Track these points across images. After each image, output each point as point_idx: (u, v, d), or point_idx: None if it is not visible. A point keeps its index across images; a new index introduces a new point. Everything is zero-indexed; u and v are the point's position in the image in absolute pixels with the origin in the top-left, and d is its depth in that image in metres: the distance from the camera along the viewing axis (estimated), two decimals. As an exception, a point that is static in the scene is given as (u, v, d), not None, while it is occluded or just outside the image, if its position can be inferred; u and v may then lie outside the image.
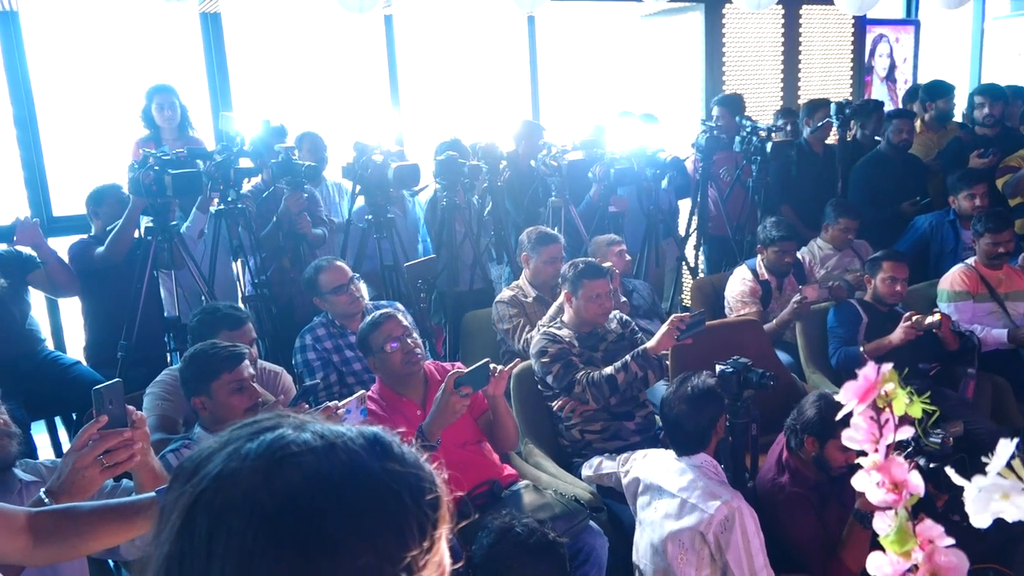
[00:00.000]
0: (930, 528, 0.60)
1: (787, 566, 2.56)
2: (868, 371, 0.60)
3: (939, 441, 2.69)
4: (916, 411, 0.59)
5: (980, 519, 0.56)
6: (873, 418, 0.60)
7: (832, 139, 5.41)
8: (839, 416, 0.64)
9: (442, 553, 0.65)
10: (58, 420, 3.82)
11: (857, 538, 2.39)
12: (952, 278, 4.14)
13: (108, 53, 5.07)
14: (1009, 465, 0.55)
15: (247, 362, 2.41)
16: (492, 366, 2.63)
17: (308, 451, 0.63)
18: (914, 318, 3.57)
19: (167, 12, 5.06)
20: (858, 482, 0.63)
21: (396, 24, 5.59)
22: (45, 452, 3.70)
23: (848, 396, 0.61)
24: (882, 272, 3.82)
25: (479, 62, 6.16)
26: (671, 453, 2.62)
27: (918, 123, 5.57)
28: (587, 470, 3.02)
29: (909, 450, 2.40)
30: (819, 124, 5.16)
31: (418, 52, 5.81)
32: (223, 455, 0.64)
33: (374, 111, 5.39)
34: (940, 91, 5.65)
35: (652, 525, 2.51)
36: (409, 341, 2.85)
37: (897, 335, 3.60)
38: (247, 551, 0.59)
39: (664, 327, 3.05)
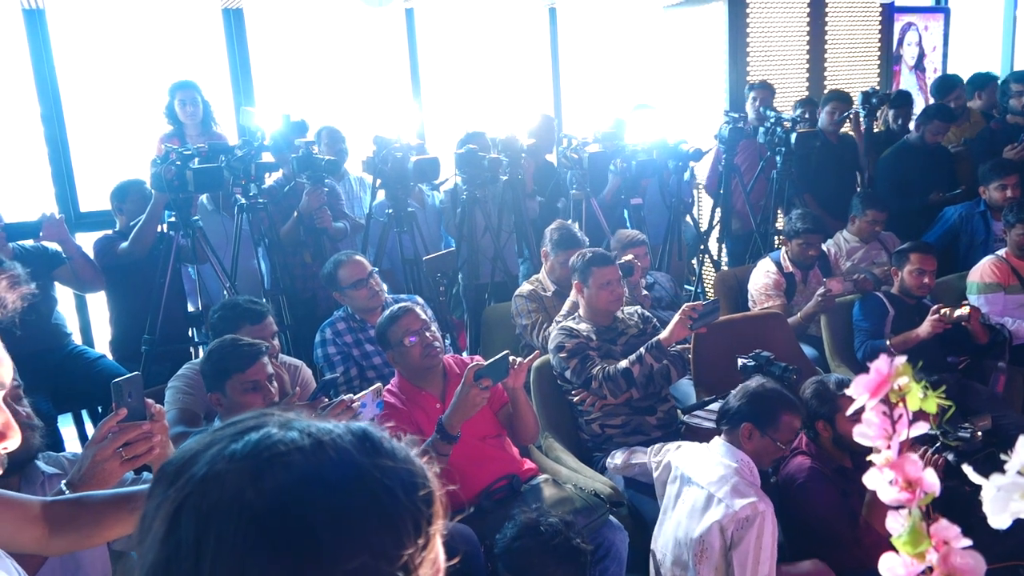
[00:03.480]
0: (946, 528, 0.57)
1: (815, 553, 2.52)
2: (880, 364, 0.57)
3: (967, 436, 2.64)
4: (931, 406, 0.57)
5: (999, 520, 0.53)
6: (886, 413, 0.58)
7: (847, 128, 5.35)
8: (852, 406, 0.62)
9: (437, 550, 0.64)
10: (84, 413, 3.87)
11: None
12: (982, 270, 4.06)
13: (133, 50, 5.12)
14: (1029, 463, 0.53)
15: (264, 360, 2.41)
16: (512, 358, 2.62)
17: (296, 450, 0.61)
18: (942, 311, 3.50)
19: (190, 8, 5.10)
20: (870, 480, 0.61)
21: (417, 17, 5.58)
22: (72, 445, 3.75)
23: (859, 390, 0.59)
24: (909, 264, 3.75)
25: (500, 55, 6.13)
26: (708, 446, 2.57)
27: None
28: (615, 459, 2.99)
29: (937, 445, 2.34)
30: (845, 115, 5.09)
31: (439, 45, 5.80)
32: (207, 457, 0.62)
33: (395, 105, 5.39)
34: (949, 87, 5.66)
35: (679, 519, 2.47)
36: (427, 335, 2.85)
37: (925, 328, 3.53)
38: (238, 555, 0.57)
39: (676, 316, 3.01)
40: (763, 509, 2.29)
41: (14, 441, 0.97)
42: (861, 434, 0.61)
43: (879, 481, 0.60)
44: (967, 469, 0.57)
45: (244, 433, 0.63)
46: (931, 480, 0.58)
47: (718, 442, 2.53)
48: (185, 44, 5.21)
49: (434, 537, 0.63)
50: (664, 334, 3.04)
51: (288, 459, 0.60)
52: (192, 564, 0.58)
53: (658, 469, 2.72)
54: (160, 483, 0.63)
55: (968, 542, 0.58)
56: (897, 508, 0.59)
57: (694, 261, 5.19)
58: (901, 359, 0.58)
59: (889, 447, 0.58)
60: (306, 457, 0.60)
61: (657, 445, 2.85)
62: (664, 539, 2.53)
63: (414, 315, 2.86)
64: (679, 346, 3.15)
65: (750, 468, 2.45)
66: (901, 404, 0.57)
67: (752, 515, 2.27)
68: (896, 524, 0.59)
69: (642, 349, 3.04)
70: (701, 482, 2.43)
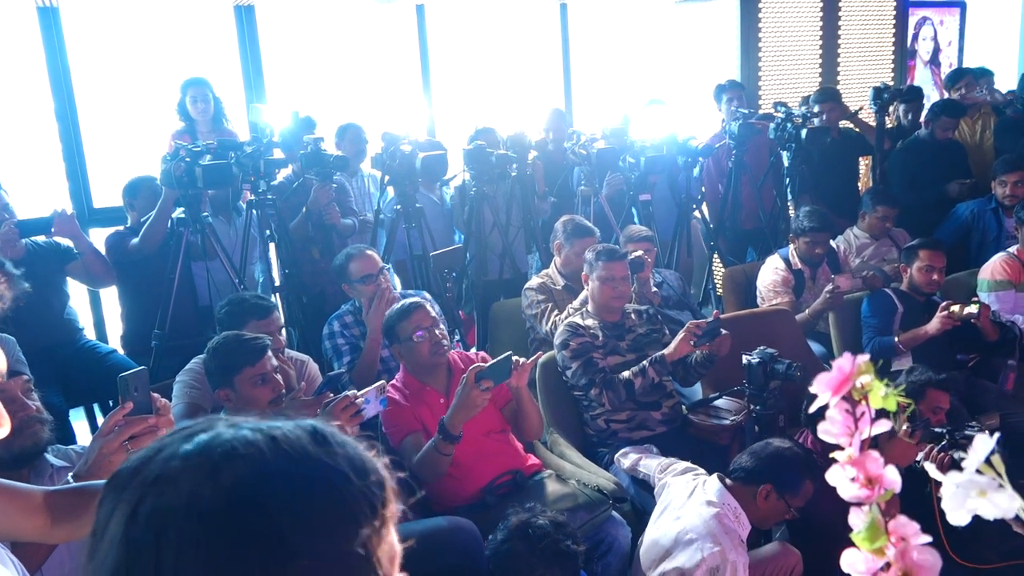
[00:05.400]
0: (904, 525, 0.58)
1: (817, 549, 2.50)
2: (843, 362, 0.58)
3: (974, 434, 2.63)
4: (891, 404, 0.57)
5: (957, 516, 0.54)
6: (848, 411, 0.59)
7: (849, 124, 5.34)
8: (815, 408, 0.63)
9: (392, 535, 0.65)
10: (96, 407, 3.91)
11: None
12: (993, 267, 4.03)
13: (146, 47, 5.17)
14: (988, 461, 0.53)
15: (269, 354, 2.43)
16: (515, 359, 2.63)
17: (249, 444, 0.62)
18: (951, 308, 3.48)
19: (202, 6, 5.14)
20: (831, 477, 0.62)
21: (427, 13, 5.60)
22: (84, 438, 3.79)
23: (821, 388, 0.60)
24: (918, 261, 3.73)
25: (511, 51, 6.14)
26: (703, 483, 2.51)
27: None
28: (625, 460, 2.98)
29: (943, 443, 2.33)
30: (851, 114, 5.09)
31: (450, 41, 5.81)
32: (159, 460, 0.62)
33: (406, 101, 5.41)
34: (958, 77, 5.70)
35: (655, 532, 2.45)
36: (436, 331, 2.87)
37: (933, 325, 3.51)
38: (200, 553, 0.57)
39: (680, 334, 3.05)
40: (733, 559, 2.22)
41: (3, 430, 0.99)
42: (825, 431, 0.62)
43: (840, 478, 0.61)
44: (929, 467, 0.58)
45: (194, 435, 0.63)
46: (892, 477, 0.59)
47: (713, 482, 2.46)
48: (197, 41, 5.25)
49: (390, 520, 0.64)
50: (669, 350, 3.06)
51: (243, 453, 0.61)
52: (153, 564, 0.58)
53: (658, 485, 2.71)
54: (112, 490, 0.63)
55: (927, 538, 0.59)
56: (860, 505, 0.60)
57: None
58: (864, 358, 0.59)
59: (851, 444, 0.59)
60: (260, 451, 0.61)
61: (667, 460, 2.81)
62: (643, 547, 2.50)
63: (424, 311, 2.88)
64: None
65: (736, 514, 2.37)
66: (863, 402, 0.58)
67: (721, 565, 2.20)
68: (857, 520, 0.60)
69: (646, 362, 3.07)
70: (679, 513, 2.39)
